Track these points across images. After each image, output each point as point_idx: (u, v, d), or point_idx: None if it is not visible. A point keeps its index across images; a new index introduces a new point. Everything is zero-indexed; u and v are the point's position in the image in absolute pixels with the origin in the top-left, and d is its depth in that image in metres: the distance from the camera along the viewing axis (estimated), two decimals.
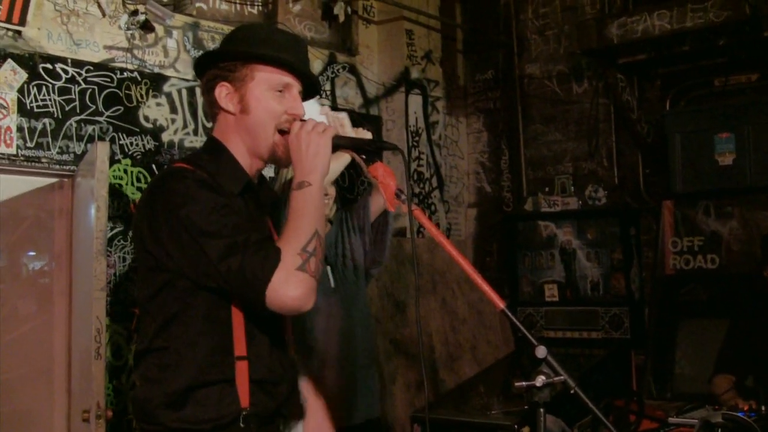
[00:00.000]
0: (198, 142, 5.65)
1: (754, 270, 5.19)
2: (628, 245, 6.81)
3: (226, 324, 2.32)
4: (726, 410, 4.10)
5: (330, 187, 4.14)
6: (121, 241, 5.18)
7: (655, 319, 6.35)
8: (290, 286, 2.17)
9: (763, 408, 4.00)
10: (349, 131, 3.66)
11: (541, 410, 2.21)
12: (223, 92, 2.46)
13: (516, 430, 4.74)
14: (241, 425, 2.30)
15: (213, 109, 2.52)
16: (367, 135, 3.95)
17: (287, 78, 2.47)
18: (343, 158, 3.72)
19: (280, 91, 2.46)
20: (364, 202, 4.27)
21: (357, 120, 6.87)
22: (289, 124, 2.45)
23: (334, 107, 6.69)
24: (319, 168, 2.34)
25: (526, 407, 4.84)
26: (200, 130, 5.71)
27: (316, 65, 6.61)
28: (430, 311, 6.77)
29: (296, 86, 2.50)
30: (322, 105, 3.83)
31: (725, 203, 6.31)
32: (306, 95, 2.58)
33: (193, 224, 2.23)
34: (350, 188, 6.69)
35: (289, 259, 2.19)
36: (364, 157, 2.52)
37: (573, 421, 4.66)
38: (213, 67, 2.49)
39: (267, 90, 2.45)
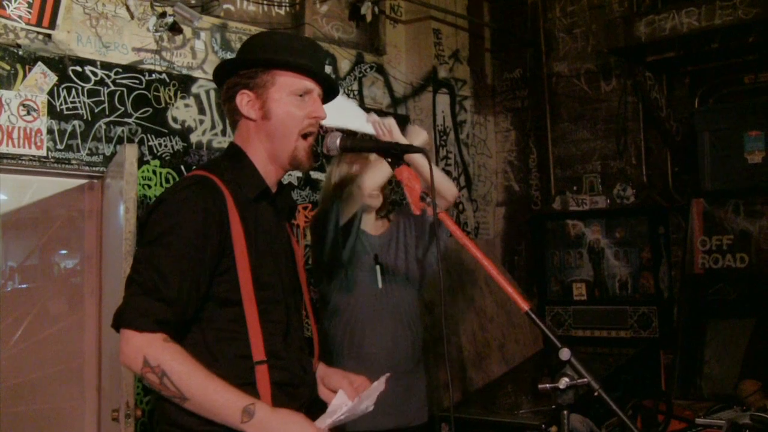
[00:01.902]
0: (226, 142, 5.67)
1: None
2: (657, 244, 6.77)
3: (241, 332, 2.33)
4: (754, 411, 4.09)
5: (377, 194, 4.03)
6: None
7: (684, 319, 6.31)
8: (129, 348, 2.20)
9: None
10: (397, 136, 3.65)
11: (565, 412, 2.21)
12: (244, 99, 2.50)
13: (544, 429, 4.72)
14: None
15: (234, 117, 2.56)
16: (423, 134, 3.91)
17: (308, 82, 2.51)
18: (386, 168, 3.70)
19: (301, 96, 2.50)
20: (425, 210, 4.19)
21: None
22: (313, 129, 2.50)
23: (362, 107, 6.69)
24: None
25: (554, 407, 4.82)
26: (228, 130, 5.73)
27: (344, 65, 6.62)
28: (458, 310, 6.76)
29: (316, 90, 2.54)
30: (368, 112, 3.81)
31: (755, 201, 6.26)
32: (326, 99, 2.62)
33: (154, 251, 2.28)
34: None
35: (155, 341, 2.20)
36: (390, 160, 2.55)
37: (602, 420, 4.66)
38: (233, 75, 2.53)
39: (288, 95, 2.48)
